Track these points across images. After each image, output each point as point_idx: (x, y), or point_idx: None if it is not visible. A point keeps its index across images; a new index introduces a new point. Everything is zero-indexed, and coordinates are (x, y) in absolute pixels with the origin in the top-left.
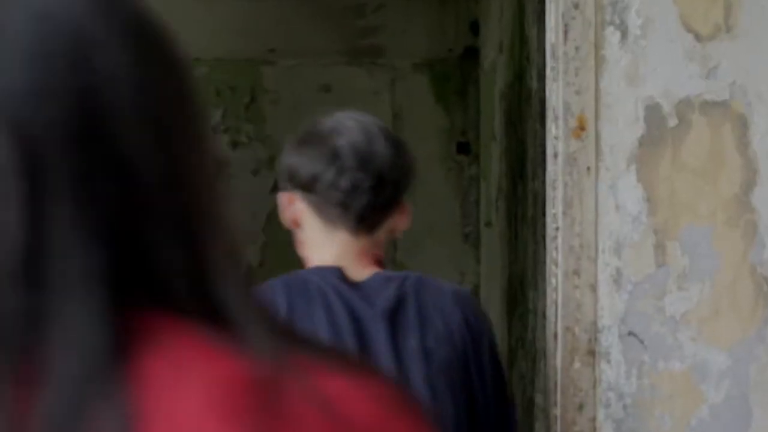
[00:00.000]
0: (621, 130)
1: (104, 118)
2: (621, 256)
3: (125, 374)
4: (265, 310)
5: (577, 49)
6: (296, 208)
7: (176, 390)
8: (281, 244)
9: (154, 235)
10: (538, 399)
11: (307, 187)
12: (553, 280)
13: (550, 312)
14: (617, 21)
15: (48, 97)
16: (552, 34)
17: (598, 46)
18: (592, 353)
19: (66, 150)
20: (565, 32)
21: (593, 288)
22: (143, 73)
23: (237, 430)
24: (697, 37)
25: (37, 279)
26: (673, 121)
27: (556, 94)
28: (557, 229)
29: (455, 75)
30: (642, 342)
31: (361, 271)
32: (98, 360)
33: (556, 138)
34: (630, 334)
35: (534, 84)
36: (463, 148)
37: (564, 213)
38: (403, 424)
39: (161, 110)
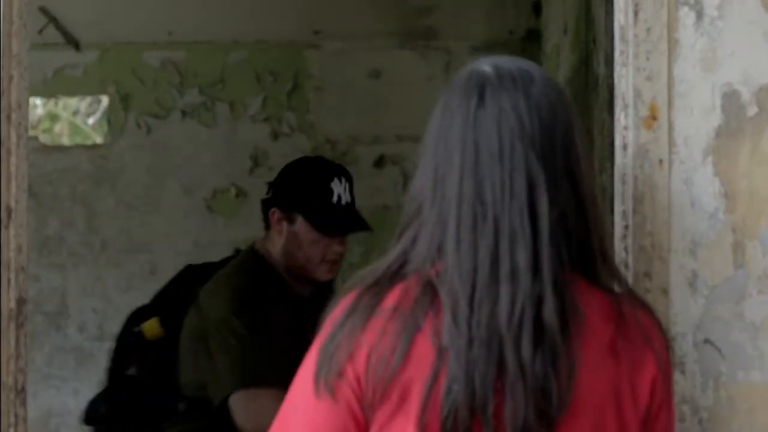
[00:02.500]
0: (696, 120)
1: (571, 161)
2: (696, 256)
3: (572, 294)
4: (620, 272)
5: (648, 31)
6: None
7: (585, 306)
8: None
9: (585, 229)
10: None
11: None
12: None
13: None
14: (692, 1)
15: (552, 144)
16: (621, 15)
17: (671, 28)
18: None
19: (557, 171)
20: (636, 13)
21: (666, 292)
22: (581, 134)
23: (609, 325)
24: None
25: (554, 239)
26: (752, 110)
27: (625, 81)
28: (627, 227)
29: None
30: (719, 351)
31: None
32: (562, 284)
33: (625, 128)
34: (706, 342)
35: (601, 69)
36: None
37: (634, 210)
38: (662, 335)
39: (587, 156)
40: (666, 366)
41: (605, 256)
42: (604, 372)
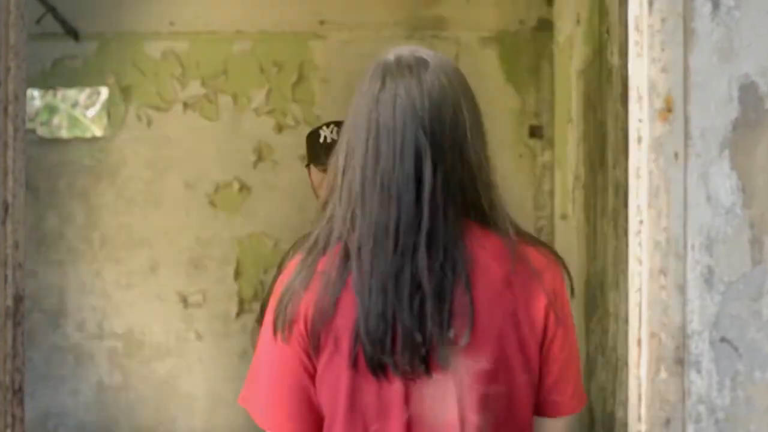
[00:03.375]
0: (712, 112)
1: (458, 133)
2: (713, 252)
3: (464, 241)
4: (511, 219)
5: (663, 21)
6: None
7: (478, 249)
8: None
9: (474, 186)
10: (620, 413)
11: None
12: (637, 280)
13: (633, 316)
14: None
15: (440, 121)
16: (635, 5)
17: (686, 18)
18: (680, 362)
19: (444, 142)
20: (651, 2)
21: (681, 289)
22: (470, 108)
23: (503, 263)
24: None
25: (433, 200)
26: None
27: (639, 72)
28: (641, 222)
29: (527, 50)
30: (736, 349)
31: None
32: (455, 234)
33: (640, 121)
34: (723, 340)
35: (615, 60)
36: (536, 131)
37: (649, 205)
38: (555, 268)
39: (476, 127)
40: (556, 296)
41: (493, 206)
42: (501, 302)
